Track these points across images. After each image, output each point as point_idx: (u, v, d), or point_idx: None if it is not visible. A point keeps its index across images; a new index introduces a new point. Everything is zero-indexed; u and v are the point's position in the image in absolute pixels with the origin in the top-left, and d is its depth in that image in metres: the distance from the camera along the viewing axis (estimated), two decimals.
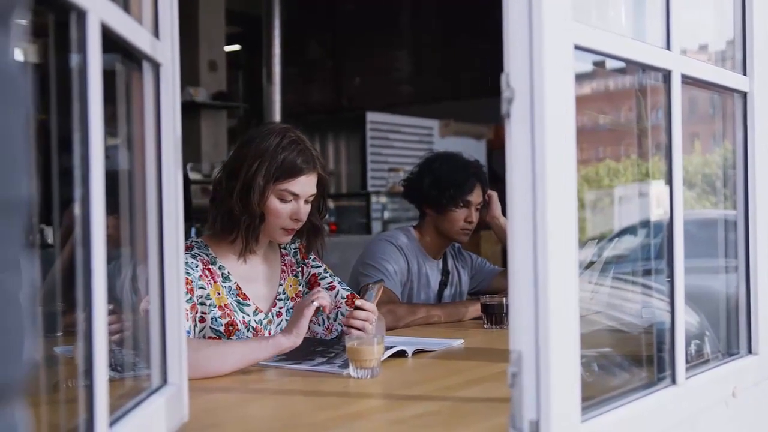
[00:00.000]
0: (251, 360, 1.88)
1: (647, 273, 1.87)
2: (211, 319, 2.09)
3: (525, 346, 1.13)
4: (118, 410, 1.12)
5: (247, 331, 2.14)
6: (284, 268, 2.31)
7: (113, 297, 1.12)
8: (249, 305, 2.17)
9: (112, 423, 1.04)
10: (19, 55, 0.57)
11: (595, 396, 1.29)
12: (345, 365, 1.86)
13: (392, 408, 1.61)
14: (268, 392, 1.73)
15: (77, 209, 0.96)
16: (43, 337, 1.23)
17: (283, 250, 2.33)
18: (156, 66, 1.30)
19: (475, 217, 2.91)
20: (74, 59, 0.98)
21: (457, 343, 2.28)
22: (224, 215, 2.13)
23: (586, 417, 1.21)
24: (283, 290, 2.28)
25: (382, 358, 1.87)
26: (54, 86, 1.05)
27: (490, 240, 6.58)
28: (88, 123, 0.96)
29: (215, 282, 2.12)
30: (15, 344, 0.53)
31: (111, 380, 1.03)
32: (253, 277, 2.22)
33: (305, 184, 2.14)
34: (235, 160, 2.15)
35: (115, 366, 1.29)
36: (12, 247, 0.53)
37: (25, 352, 0.54)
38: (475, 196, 2.90)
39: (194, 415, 1.41)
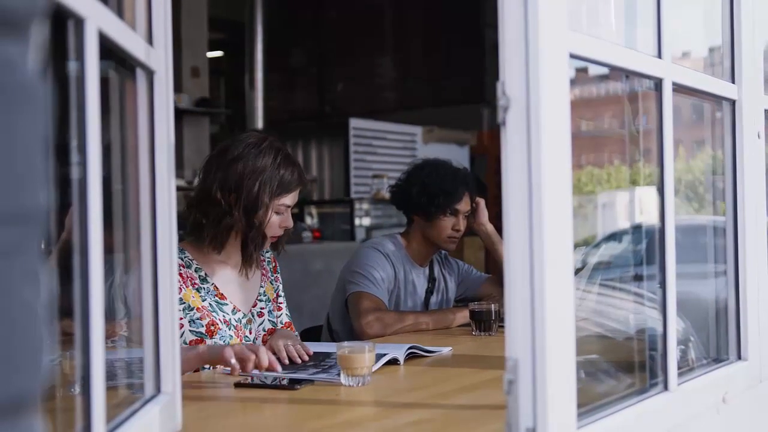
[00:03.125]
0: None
1: (635, 279, 1.88)
2: (190, 321, 2.13)
3: (521, 354, 1.13)
4: (114, 419, 1.11)
5: (229, 329, 2.20)
6: (264, 271, 2.38)
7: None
8: (227, 304, 2.22)
9: None
10: (36, 65, 0.56)
11: (589, 403, 1.30)
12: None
13: (386, 416, 1.61)
14: (261, 401, 1.72)
15: (75, 217, 0.96)
16: None
17: (260, 255, 2.38)
18: (150, 73, 1.29)
19: (462, 225, 2.91)
20: (71, 66, 0.97)
21: (446, 350, 2.28)
22: (224, 230, 2.18)
23: (582, 423, 1.21)
24: (264, 291, 2.35)
25: (375, 368, 1.87)
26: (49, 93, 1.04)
27: (473, 246, 6.59)
28: (86, 130, 0.96)
29: (189, 286, 2.17)
30: (35, 355, 0.52)
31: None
32: (233, 278, 2.27)
33: (296, 196, 2.26)
34: (227, 176, 2.17)
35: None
36: (30, 258, 0.52)
37: (43, 363, 0.54)
38: (464, 205, 2.90)
39: (187, 424, 1.40)
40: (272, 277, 2.40)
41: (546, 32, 1.13)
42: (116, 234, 1.30)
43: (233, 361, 1.84)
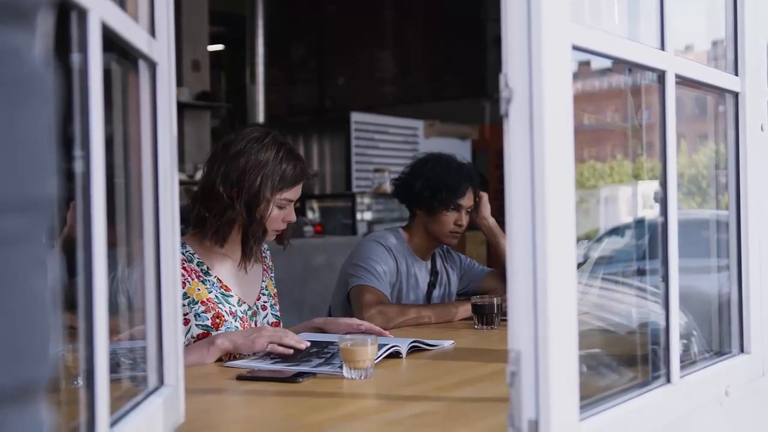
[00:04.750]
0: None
1: (637, 273, 1.88)
2: (195, 316, 2.14)
3: (524, 346, 1.13)
4: (117, 411, 1.11)
5: (235, 320, 2.21)
6: (265, 266, 2.40)
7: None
8: (232, 296, 2.24)
9: (112, 424, 1.03)
10: (43, 53, 0.56)
11: (592, 395, 1.30)
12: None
13: (388, 408, 1.61)
14: (263, 393, 1.72)
15: (78, 210, 0.95)
16: None
17: (260, 250, 2.40)
18: (152, 65, 1.29)
19: (465, 220, 2.91)
20: (74, 58, 0.97)
21: (448, 343, 2.28)
22: (226, 224, 2.19)
23: (585, 416, 1.22)
24: (266, 286, 2.37)
25: (378, 359, 1.87)
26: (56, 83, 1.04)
27: (474, 240, 6.60)
28: (89, 123, 0.96)
29: (194, 279, 2.18)
30: (42, 343, 0.52)
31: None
32: (235, 272, 2.28)
33: (299, 190, 2.26)
34: (230, 170, 2.17)
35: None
36: (39, 246, 0.52)
37: (50, 351, 0.54)
38: (467, 200, 2.90)
39: (190, 417, 1.40)
40: (271, 275, 2.43)
41: (549, 24, 1.13)
42: (119, 227, 1.30)
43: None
